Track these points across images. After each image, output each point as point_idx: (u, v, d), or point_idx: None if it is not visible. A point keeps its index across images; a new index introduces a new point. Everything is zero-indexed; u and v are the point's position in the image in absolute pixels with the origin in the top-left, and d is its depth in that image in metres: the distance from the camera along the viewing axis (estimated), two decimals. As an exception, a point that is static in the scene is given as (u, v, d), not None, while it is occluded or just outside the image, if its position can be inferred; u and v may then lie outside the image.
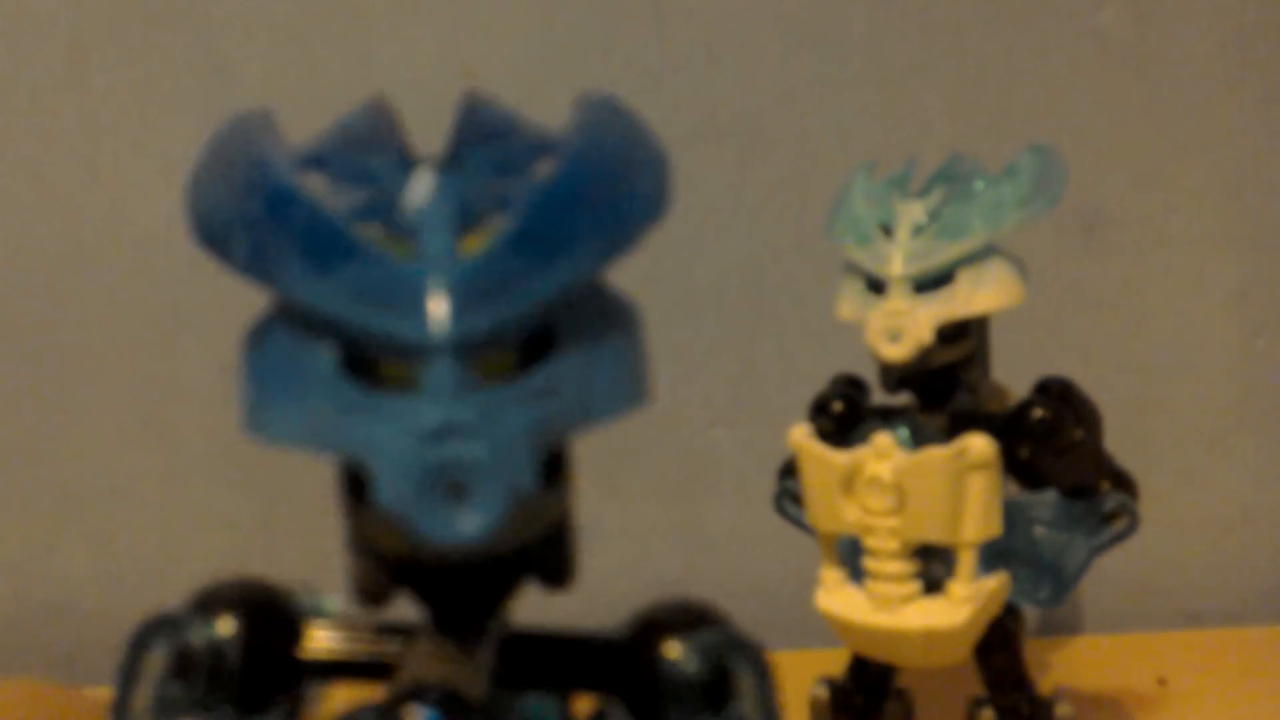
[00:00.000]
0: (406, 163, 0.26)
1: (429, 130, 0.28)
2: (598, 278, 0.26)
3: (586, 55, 0.71)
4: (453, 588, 0.28)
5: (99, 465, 0.74)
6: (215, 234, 0.25)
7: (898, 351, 0.49)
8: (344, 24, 0.71)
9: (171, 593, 0.32)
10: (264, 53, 0.71)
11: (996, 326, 0.53)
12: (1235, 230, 0.73)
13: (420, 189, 0.25)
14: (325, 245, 0.24)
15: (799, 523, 0.54)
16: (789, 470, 0.54)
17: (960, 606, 0.48)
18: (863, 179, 0.52)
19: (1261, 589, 0.75)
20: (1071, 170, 0.51)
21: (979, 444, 0.47)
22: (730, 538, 0.74)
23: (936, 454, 0.47)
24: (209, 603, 0.29)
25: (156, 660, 0.29)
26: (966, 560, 0.48)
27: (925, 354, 0.49)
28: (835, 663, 0.56)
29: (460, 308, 0.23)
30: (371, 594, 0.27)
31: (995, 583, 0.50)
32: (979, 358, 0.52)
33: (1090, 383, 0.53)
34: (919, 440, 0.50)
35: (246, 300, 0.27)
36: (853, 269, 0.51)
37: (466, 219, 0.25)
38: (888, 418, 0.52)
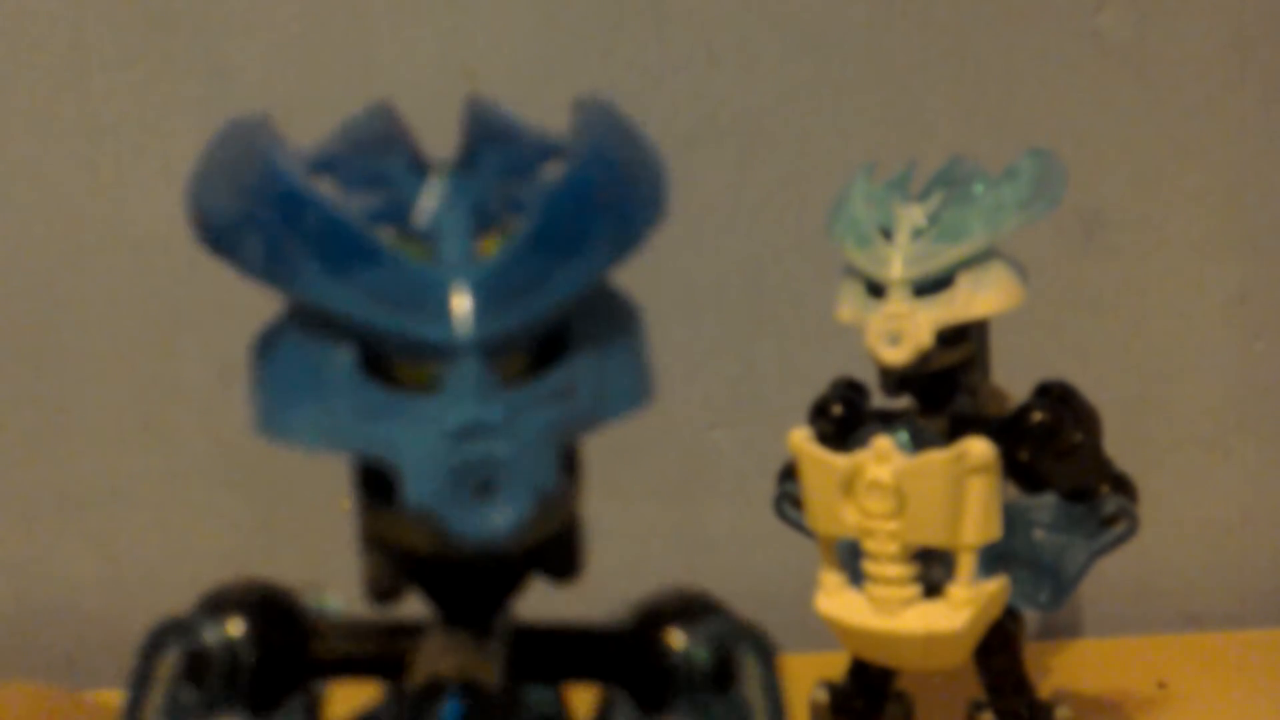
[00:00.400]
0: (417, 166, 0.26)
1: (430, 132, 0.28)
2: (605, 278, 0.26)
3: (587, 56, 0.71)
4: (466, 584, 0.28)
5: (99, 467, 0.74)
6: (225, 237, 0.25)
7: (897, 355, 0.49)
8: (344, 26, 0.71)
9: (172, 594, 0.32)
10: (264, 55, 0.71)
11: (996, 329, 0.53)
12: (1235, 233, 0.73)
13: (436, 192, 0.25)
14: (344, 249, 0.24)
15: (799, 526, 0.54)
16: (789, 473, 0.54)
17: (960, 609, 0.48)
18: (862, 181, 0.52)
19: (1261, 591, 0.75)
20: (1071, 173, 0.51)
21: (979, 447, 0.47)
22: (730, 540, 0.74)
23: (936, 457, 0.47)
24: (219, 605, 0.29)
25: (169, 664, 0.29)
26: (966, 563, 0.48)
27: (925, 357, 0.49)
28: (835, 666, 0.56)
29: (483, 308, 0.24)
30: (384, 592, 0.28)
31: (995, 586, 0.50)
32: (979, 361, 0.52)
33: (1090, 385, 0.53)
34: (919, 443, 0.50)
35: (247, 302, 0.27)
36: (853, 272, 0.51)
37: (481, 221, 0.25)
38: (887, 421, 0.52)
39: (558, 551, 0.28)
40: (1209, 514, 0.75)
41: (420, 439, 0.24)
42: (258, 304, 0.27)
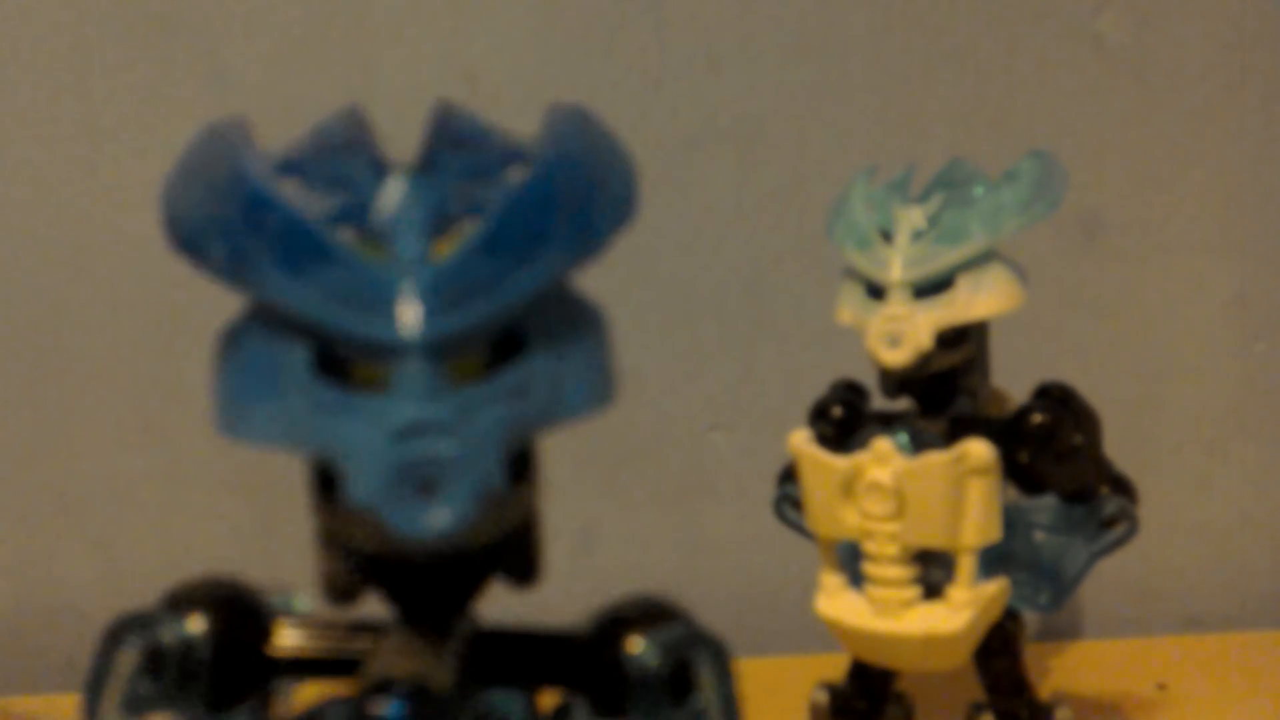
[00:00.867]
0: (380, 168, 0.26)
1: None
2: (567, 281, 0.26)
3: (587, 60, 0.71)
4: (421, 584, 0.28)
5: (99, 469, 0.74)
6: (192, 239, 0.26)
7: (897, 356, 0.49)
8: (344, 29, 0.71)
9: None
10: (265, 58, 0.71)
11: (996, 331, 0.53)
12: (1234, 235, 0.73)
13: (394, 193, 0.26)
14: (301, 249, 0.25)
15: (799, 528, 0.54)
16: (789, 475, 0.54)
17: (960, 611, 0.48)
18: (862, 184, 0.52)
19: (1261, 593, 0.75)
20: (1071, 175, 0.52)
21: (978, 449, 0.47)
22: (730, 542, 0.74)
23: (936, 459, 0.47)
24: (180, 601, 0.30)
25: (129, 658, 0.29)
26: (966, 565, 0.48)
27: (925, 359, 0.49)
28: (835, 667, 0.56)
29: (432, 309, 0.24)
30: (341, 592, 0.28)
31: (995, 587, 0.50)
32: (979, 363, 0.52)
33: (1090, 387, 0.53)
34: (919, 445, 0.50)
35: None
36: (852, 274, 0.51)
37: (440, 223, 0.25)
38: (887, 423, 0.52)
39: (515, 554, 0.28)
40: (1209, 516, 0.75)
41: (365, 437, 0.24)
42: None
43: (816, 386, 0.55)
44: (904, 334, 0.49)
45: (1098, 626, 0.74)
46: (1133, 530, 0.53)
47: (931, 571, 0.50)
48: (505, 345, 0.26)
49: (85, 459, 0.74)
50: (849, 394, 0.54)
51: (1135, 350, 0.74)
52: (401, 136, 0.28)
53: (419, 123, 0.29)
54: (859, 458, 0.49)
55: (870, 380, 0.53)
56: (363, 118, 0.28)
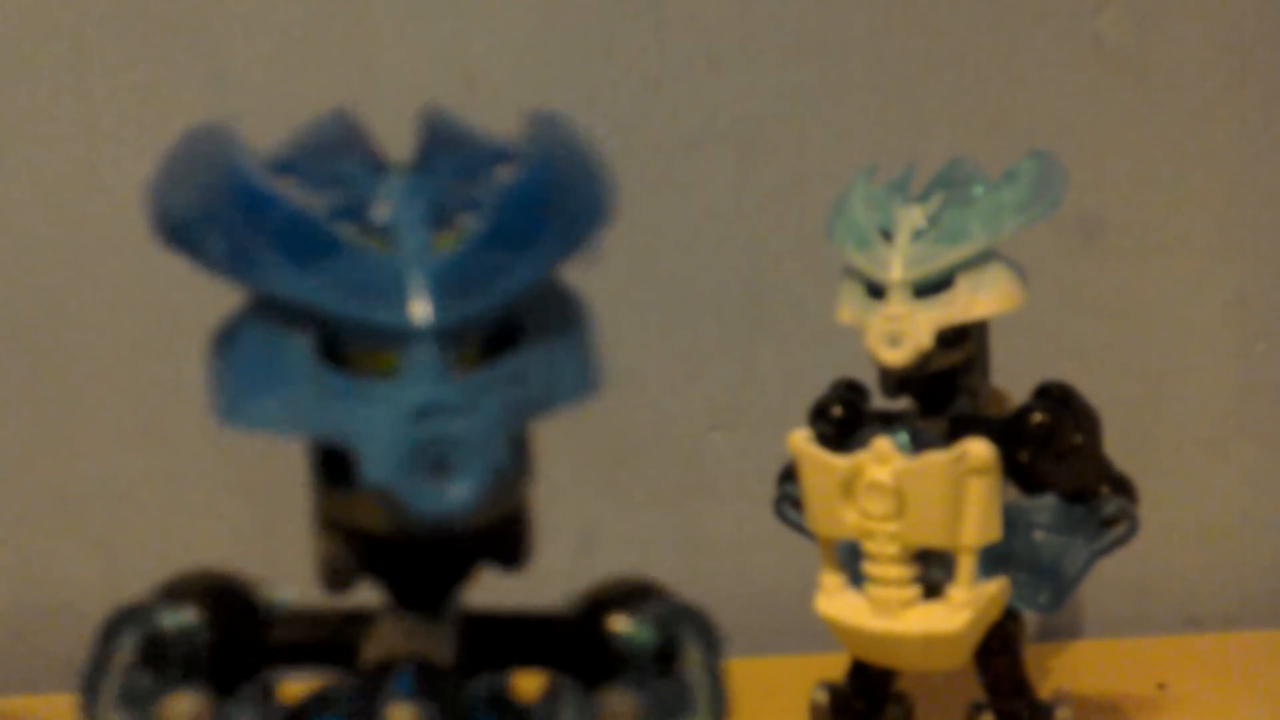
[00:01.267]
0: (375, 166, 0.28)
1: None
2: (556, 275, 0.27)
3: (586, 61, 0.71)
4: (418, 567, 0.29)
5: (100, 468, 0.74)
6: (185, 234, 0.26)
7: (897, 356, 0.49)
8: (344, 30, 0.71)
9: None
10: (265, 58, 0.71)
11: (996, 331, 0.53)
12: (1234, 235, 0.73)
13: (395, 190, 0.27)
14: (307, 243, 0.25)
15: (799, 527, 0.54)
16: (788, 475, 0.55)
17: (960, 611, 0.49)
18: (862, 184, 0.52)
19: (1260, 593, 0.75)
20: (1071, 175, 0.52)
21: (979, 448, 0.47)
22: (730, 542, 0.74)
23: (936, 459, 0.48)
24: (176, 591, 0.30)
25: (125, 650, 0.30)
26: (966, 565, 0.48)
27: (925, 359, 0.49)
28: (835, 667, 0.56)
29: (441, 297, 0.25)
30: (338, 578, 0.28)
31: (995, 587, 0.50)
32: (979, 362, 0.52)
33: (1089, 387, 0.53)
34: (919, 445, 0.50)
35: (248, 305, 0.27)
36: (852, 273, 0.51)
37: (437, 218, 0.26)
38: (887, 422, 0.52)
39: (506, 539, 0.29)
40: (1209, 515, 0.75)
41: (379, 420, 0.25)
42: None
43: (816, 386, 0.55)
44: (904, 333, 0.49)
45: (1098, 626, 0.74)
46: (1133, 530, 0.53)
47: (931, 571, 0.50)
48: (498, 337, 0.26)
49: (85, 459, 0.74)
50: (849, 393, 0.54)
51: (1135, 350, 0.74)
52: (401, 136, 0.29)
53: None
54: (859, 457, 0.49)
55: (870, 380, 0.53)
56: (352, 119, 0.29)
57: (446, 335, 0.25)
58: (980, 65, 0.72)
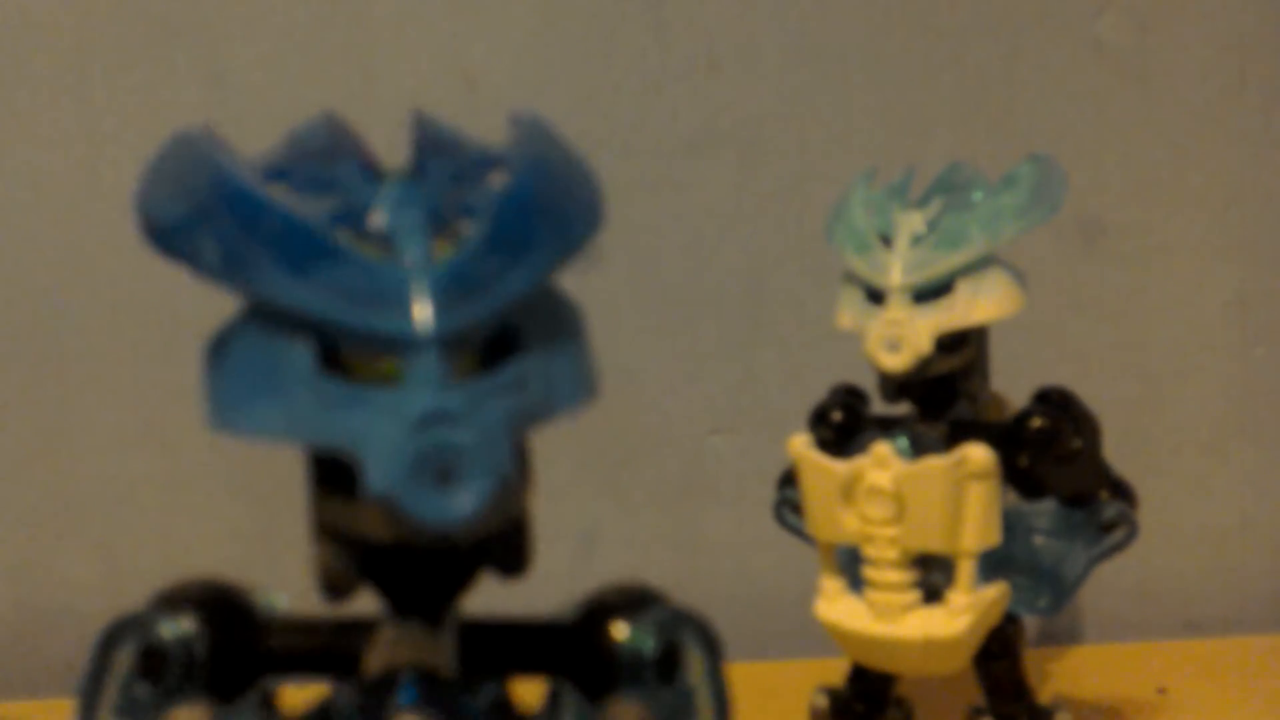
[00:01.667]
0: (369, 172, 0.27)
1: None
2: (551, 281, 0.27)
3: (586, 63, 0.71)
4: (418, 576, 0.29)
5: (100, 471, 0.74)
6: (177, 241, 0.26)
7: (897, 361, 0.49)
8: (343, 32, 0.71)
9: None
10: (265, 60, 0.71)
11: (996, 336, 0.53)
12: (1234, 238, 0.73)
13: (393, 196, 0.27)
14: (305, 249, 0.25)
15: (798, 532, 0.54)
16: (788, 479, 0.54)
17: (959, 615, 0.49)
18: (861, 188, 0.52)
19: (1260, 597, 0.75)
20: (1071, 178, 0.52)
21: (978, 453, 0.47)
22: (730, 546, 0.74)
23: (936, 463, 0.48)
24: (173, 601, 0.30)
25: (124, 660, 0.30)
26: (966, 569, 0.48)
27: (924, 363, 0.49)
28: (835, 671, 0.56)
29: (443, 304, 0.25)
30: (338, 587, 0.28)
31: (995, 592, 0.50)
32: (978, 367, 0.52)
33: (1089, 391, 0.53)
34: (918, 449, 0.50)
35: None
36: (852, 278, 0.51)
37: (435, 224, 0.26)
38: (887, 427, 0.52)
39: (508, 546, 0.29)
40: (1208, 519, 0.75)
41: (382, 428, 0.25)
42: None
43: (817, 389, 0.55)
44: (903, 339, 0.49)
45: (1097, 630, 0.74)
46: (1132, 534, 0.53)
47: (931, 576, 0.50)
48: (495, 345, 0.26)
49: (85, 460, 0.74)
50: (849, 398, 0.54)
51: (1135, 353, 0.74)
52: (401, 139, 0.29)
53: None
54: (859, 462, 0.49)
55: (870, 384, 0.53)
56: (342, 124, 0.28)
57: (449, 342, 0.25)
58: (980, 68, 0.72)
